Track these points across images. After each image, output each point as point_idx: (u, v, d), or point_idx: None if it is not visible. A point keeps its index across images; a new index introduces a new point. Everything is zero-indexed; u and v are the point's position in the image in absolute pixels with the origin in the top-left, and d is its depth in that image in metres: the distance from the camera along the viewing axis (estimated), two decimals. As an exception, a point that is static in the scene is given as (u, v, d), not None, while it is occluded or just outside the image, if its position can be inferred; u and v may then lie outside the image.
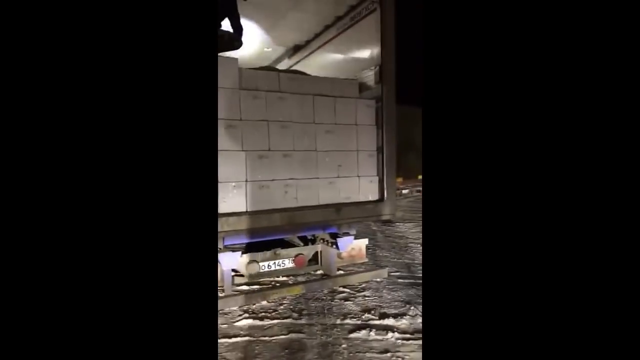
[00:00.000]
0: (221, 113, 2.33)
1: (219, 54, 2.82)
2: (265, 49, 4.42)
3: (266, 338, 2.39)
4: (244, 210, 2.42)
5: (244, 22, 3.04)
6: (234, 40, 2.96)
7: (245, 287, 3.15)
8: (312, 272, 3.37)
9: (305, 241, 3.03)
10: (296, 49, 4.29)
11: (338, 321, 2.63)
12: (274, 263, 2.73)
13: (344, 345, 2.27)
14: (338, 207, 2.68)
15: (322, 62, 3.85)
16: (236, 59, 2.46)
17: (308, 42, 4.06)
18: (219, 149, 2.31)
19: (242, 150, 2.42)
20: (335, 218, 2.69)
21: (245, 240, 2.62)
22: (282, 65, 4.59)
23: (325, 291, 3.19)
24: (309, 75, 2.99)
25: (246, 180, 2.43)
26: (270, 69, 3.36)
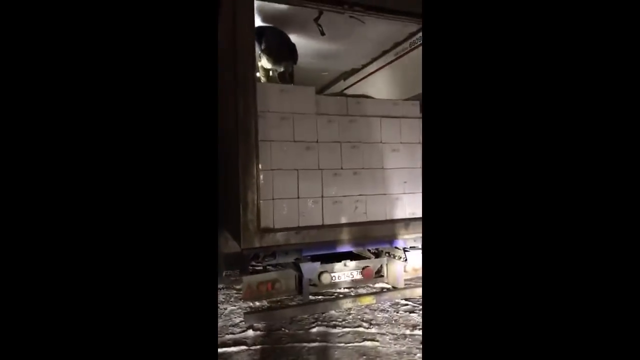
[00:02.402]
0: (301, 136, 2.60)
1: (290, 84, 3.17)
2: (323, 73, 4.72)
3: (342, 344, 2.55)
4: (320, 223, 2.63)
5: (305, 47, 3.36)
6: (289, 59, 3.37)
7: (315, 297, 3.33)
8: (371, 286, 3.50)
9: (373, 254, 3.18)
10: (352, 72, 4.55)
11: (408, 331, 2.74)
12: (344, 274, 2.90)
13: (418, 355, 2.38)
14: (405, 222, 2.82)
15: (379, 84, 4.07)
16: (313, 88, 2.72)
17: (364, 66, 4.30)
18: (299, 168, 2.57)
19: (319, 169, 2.65)
20: (402, 232, 2.83)
21: (319, 251, 2.82)
22: (337, 88, 4.87)
23: (389, 304, 3.30)
24: (373, 98, 3.20)
25: (322, 196, 2.65)
26: (339, 94, 3.63)
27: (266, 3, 2.57)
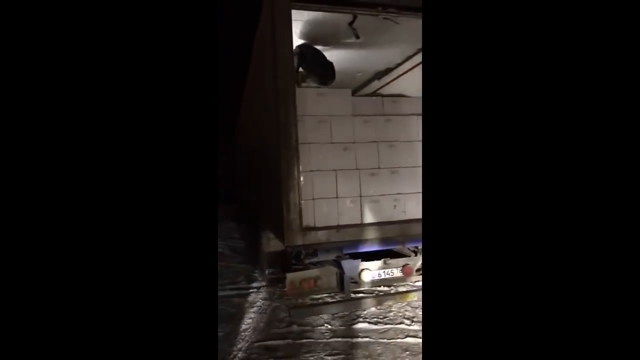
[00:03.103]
0: (339, 137, 2.68)
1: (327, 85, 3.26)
2: (357, 74, 4.77)
3: (384, 340, 2.60)
4: (359, 222, 2.70)
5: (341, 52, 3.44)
6: (329, 78, 3.43)
7: (356, 295, 3.40)
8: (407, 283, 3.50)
9: (413, 252, 3.20)
10: (387, 71, 4.56)
11: (450, 329, 2.73)
12: (384, 272, 2.95)
13: (461, 352, 2.37)
14: (445, 219, 2.81)
15: (415, 83, 4.05)
16: (349, 90, 2.80)
17: (399, 65, 4.30)
18: (338, 168, 2.65)
19: (356, 169, 2.72)
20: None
21: (359, 249, 2.89)
22: (371, 87, 4.90)
23: (430, 301, 3.29)
24: (408, 96, 3.22)
25: (360, 196, 2.72)
26: (375, 95, 3.67)
27: (299, 12, 2.68)
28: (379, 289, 3.58)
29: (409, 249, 3.21)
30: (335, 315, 3.02)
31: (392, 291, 3.57)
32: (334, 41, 3.37)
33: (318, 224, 2.58)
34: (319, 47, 3.36)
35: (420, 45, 3.82)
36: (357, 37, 3.03)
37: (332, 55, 3.61)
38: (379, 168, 2.79)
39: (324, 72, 3.36)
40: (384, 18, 2.77)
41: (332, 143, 2.68)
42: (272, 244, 3.20)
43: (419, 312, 3.08)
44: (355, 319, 2.99)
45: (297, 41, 3.17)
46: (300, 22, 2.97)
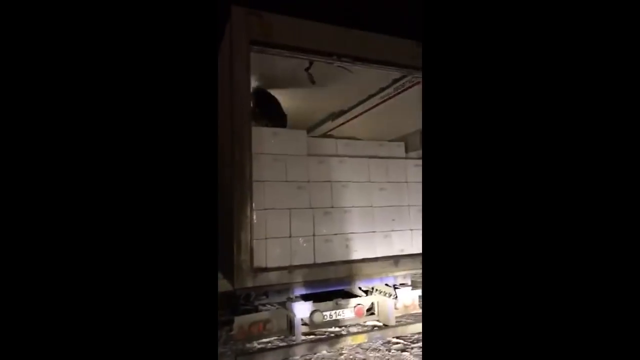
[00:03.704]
0: (293, 176, 2.71)
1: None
2: (312, 113, 4.93)
3: (335, 386, 2.51)
4: (312, 262, 2.68)
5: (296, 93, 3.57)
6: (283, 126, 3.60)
7: (307, 337, 3.29)
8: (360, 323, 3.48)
9: (364, 292, 3.21)
10: (340, 113, 4.77)
11: (400, 371, 2.72)
12: (336, 313, 2.91)
13: (411, 395, 2.36)
14: (395, 259, 2.89)
15: (367, 125, 4.28)
16: (304, 131, 2.88)
17: (351, 108, 4.53)
18: (292, 207, 2.65)
19: (310, 208, 2.74)
20: (392, 269, 2.89)
21: (311, 290, 2.84)
22: (324, 128, 5.07)
23: (381, 342, 3.28)
24: (361, 140, 3.38)
25: (314, 235, 2.72)
26: (329, 136, 3.80)
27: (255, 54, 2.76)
28: (330, 330, 3.51)
29: (360, 288, 3.23)
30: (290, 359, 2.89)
31: (343, 332, 3.51)
32: (291, 83, 3.49)
33: (270, 265, 2.52)
34: (275, 90, 3.48)
35: (371, 92, 4.09)
36: (313, 82, 3.17)
37: (287, 95, 3.73)
38: (332, 207, 2.83)
39: (279, 119, 3.49)
40: (339, 66, 2.94)
41: (286, 181, 2.70)
42: (220, 285, 3.04)
43: (370, 355, 3.05)
44: (305, 364, 2.88)
45: (254, 83, 3.25)
46: (257, 65, 3.06)
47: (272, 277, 2.44)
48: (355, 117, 4.46)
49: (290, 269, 2.54)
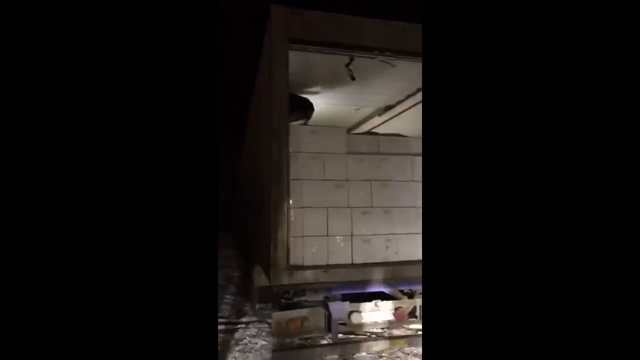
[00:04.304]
0: (331, 174, 2.67)
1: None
2: (356, 109, 4.84)
3: (371, 391, 2.45)
4: (350, 262, 2.63)
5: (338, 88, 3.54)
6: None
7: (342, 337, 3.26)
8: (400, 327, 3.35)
9: (406, 295, 3.09)
10: (387, 108, 4.62)
11: (442, 382, 2.57)
12: (375, 314, 2.83)
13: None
14: (439, 262, 2.73)
15: (415, 120, 4.09)
16: (344, 129, 2.82)
17: (399, 102, 4.36)
18: (329, 206, 2.62)
19: (348, 207, 2.69)
20: (436, 273, 2.74)
21: (348, 290, 2.80)
22: (371, 123, 4.95)
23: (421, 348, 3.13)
24: (405, 136, 3.23)
25: (351, 234, 2.67)
26: (371, 133, 3.71)
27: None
28: (371, 331, 3.44)
29: (401, 291, 3.11)
30: (323, 359, 2.88)
31: (385, 334, 3.42)
32: (331, 81, 3.44)
33: (306, 263, 2.52)
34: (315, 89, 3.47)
35: (419, 85, 3.89)
36: (353, 78, 3.09)
37: (327, 94, 3.69)
38: (372, 207, 2.75)
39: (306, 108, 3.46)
40: (381, 60, 2.83)
41: (324, 180, 2.67)
42: (262, 279, 3.13)
43: (411, 360, 2.92)
44: (342, 364, 2.85)
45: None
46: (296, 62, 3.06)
47: (308, 276, 2.44)
48: (403, 111, 4.29)
49: (327, 268, 2.52)
